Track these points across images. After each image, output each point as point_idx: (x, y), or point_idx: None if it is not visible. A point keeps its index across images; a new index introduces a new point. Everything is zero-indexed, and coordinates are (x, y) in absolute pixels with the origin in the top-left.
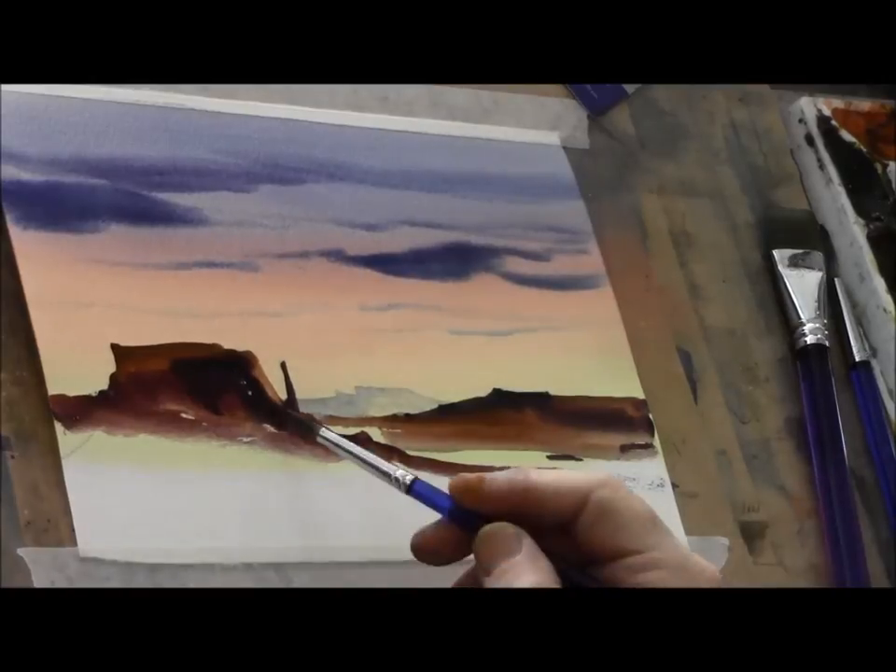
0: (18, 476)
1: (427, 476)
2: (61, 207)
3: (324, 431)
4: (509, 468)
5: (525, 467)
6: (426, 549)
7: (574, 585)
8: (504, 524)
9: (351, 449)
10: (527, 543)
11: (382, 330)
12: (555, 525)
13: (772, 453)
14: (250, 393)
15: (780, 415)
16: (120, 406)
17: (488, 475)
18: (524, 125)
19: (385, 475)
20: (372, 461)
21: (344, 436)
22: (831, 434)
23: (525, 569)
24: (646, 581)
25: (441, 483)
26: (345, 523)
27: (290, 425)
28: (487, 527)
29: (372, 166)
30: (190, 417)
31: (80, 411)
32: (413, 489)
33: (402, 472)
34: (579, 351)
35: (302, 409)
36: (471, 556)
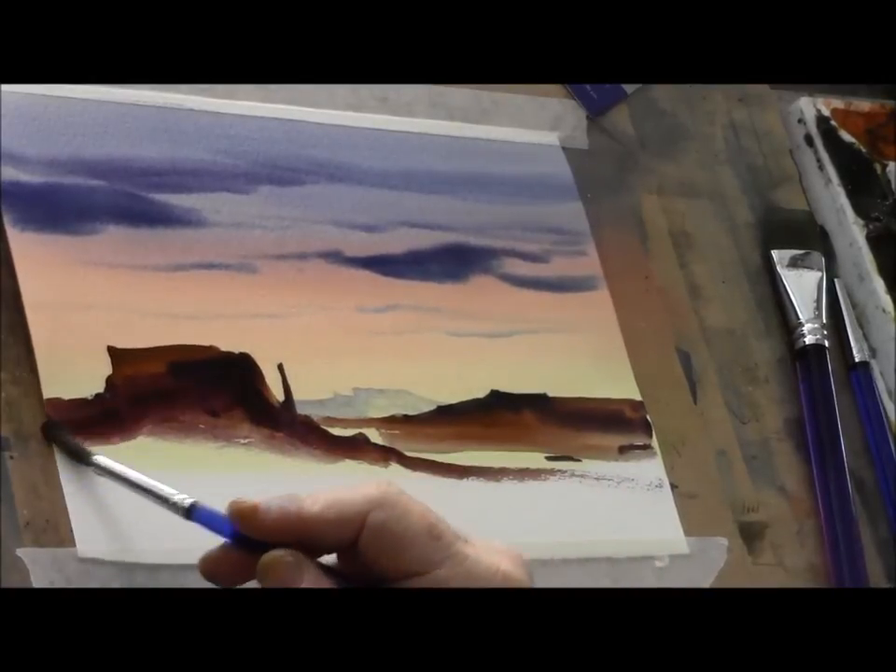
0: (17, 476)
1: (424, 477)
2: (59, 209)
3: (97, 458)
4: (503, 468)
5: (300, 494)
6: (212, 573)
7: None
8: (283, 552)
9: (126, 474)
10: (310, 571)
11: (380, 332)
12: (339, 548)
13: (771, 453)
14: (247, 395)
15: (780, 416)
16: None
17: (263, 504)
18: (523, 126)
19: (163, 500)
20: (149, 486)
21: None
22: (830, 434)
23: None
24: None
25: (440, 484)
26: None
27: (62, 448)
28: (265, 557)
29: (371, 167)
30: (188, 419)
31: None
32: (192, 514)
33: (181, 497)
34: (577, 352)
35: (300, 410)
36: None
